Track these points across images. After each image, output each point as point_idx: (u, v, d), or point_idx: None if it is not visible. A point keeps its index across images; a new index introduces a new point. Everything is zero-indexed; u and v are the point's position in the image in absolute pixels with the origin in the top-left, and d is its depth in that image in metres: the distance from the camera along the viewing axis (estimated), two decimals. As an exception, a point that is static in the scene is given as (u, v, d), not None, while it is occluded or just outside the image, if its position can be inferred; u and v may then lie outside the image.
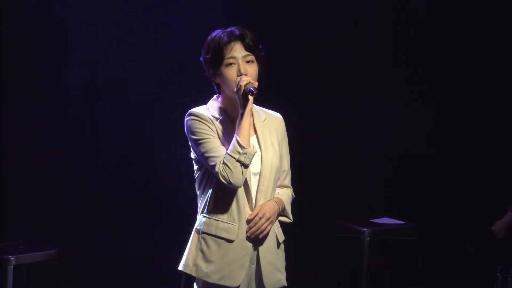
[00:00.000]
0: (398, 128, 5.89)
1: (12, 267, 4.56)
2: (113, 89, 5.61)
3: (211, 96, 3.29)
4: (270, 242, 3.24)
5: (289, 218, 3.33)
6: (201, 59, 3.22)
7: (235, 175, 3.08)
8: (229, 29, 3.19)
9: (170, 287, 5.51)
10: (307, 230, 5.89)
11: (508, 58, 5.68)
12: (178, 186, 5.50)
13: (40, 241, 5.18)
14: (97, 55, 5.56)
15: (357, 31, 5.90)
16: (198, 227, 3.21)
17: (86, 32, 5.53)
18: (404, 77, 5.88)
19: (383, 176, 5.91)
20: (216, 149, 3.12)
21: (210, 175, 3.17)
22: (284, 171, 3.35)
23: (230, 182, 3.09)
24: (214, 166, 3.10)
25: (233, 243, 3.16)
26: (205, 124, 3.16)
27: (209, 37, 3.21)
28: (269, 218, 3.19)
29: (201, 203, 3.23)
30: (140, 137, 5.64)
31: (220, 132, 3.17)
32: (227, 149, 3.11)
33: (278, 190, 3.32)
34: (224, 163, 3.08)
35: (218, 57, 3.15)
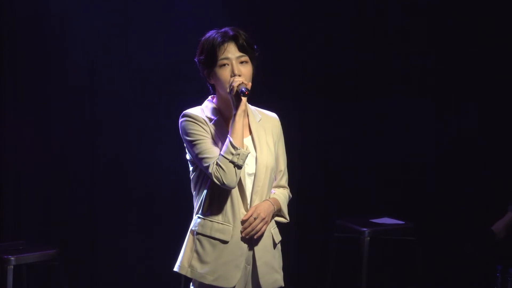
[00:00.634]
0: (398, 128, 5.89)
1: (12, 267, 4.55)
2: (113, 89, 5.61)
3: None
4: (266, 243, 3.23)
5: (285, 218, 3.32)
6: (196, 60, 3.23)
7: (228, 176, 3.08)
8: (223, 30, 3.19)
9: None
10: (307, 230, 5.89)
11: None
12: (178, 186, 5.49)
13: (40, 241, 5.18)
14: (96, 55, 5.56)
15: (357, 31, 5.90)
16: (193, 228, 3.21)
17: (86, 32, 5.53)
18: (404, 77, 5.89)
19: (383, 176, 5.91)
20: (210, 150, 3.12)
21: (205, 176, 3.17)
22: (281, 171, 3.34)
23: (223, 183, 3.08)
24: (208, 167, 3.09)
25: (228, 244, 3.16)
26: (199, 125, 3.16)
27: (203, 38, 3.21)
28: (263, 219, 3.18)
29: (196, 203, 3.24)
30: (140, 138, 5.64)
31: (214, 133, 3.17)
32: (221, 149, 3.11)
33: (274, 191, 3.32)
34: (217, 164, 3.08)
35: (212, 58, 3.15)
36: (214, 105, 3.23)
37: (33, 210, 5.48)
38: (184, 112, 3.21)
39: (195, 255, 3.18)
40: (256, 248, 3.20)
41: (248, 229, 3.17)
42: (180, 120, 3.20)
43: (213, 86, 3.24)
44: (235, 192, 3.17)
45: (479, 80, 5.77)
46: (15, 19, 5.39)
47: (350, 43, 5.90)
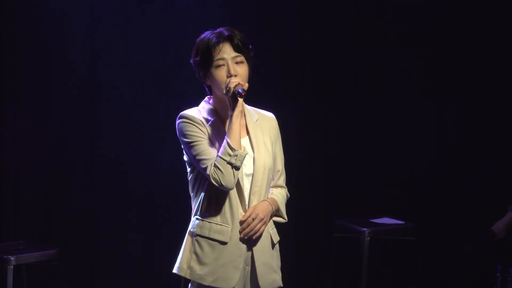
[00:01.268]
0: (398, 128, 5.89)
1: (12, 267, 4.55)
2: (113, 89, 5.61)
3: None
4: (264, 243, 3.23)
5: (283, 218, 3.32)
6: (191, 61, 3.22)
7: (226, 178, 3.07)
8: (217, 30, 3.18)
9: None
10: (307, 230, 5.89)
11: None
12: (178, 187, 5.48)
13: (40, 241, 5.17)
14: (97, 55, 5.56)
15: (357, 31, 5.91)
16: (191, 230, 3.21)
17: (86, 32, 5.53)
18: (404, 77, 5.89)
19: (383, 176, 5.91)
20: (207, 152, 3.11)
21: (202, 177, 3.16)
22: (278, 171, 3.34)
23: (221, 185, 3.08)
24: (205, 168, 3.09)
25: (227, 245, 3.16)
26: (196, 126, 3.15)
27: (198, 39, 3.20)
28: (262, 219, 3.18)
29: (195, 205, 3.23)
30: (140, 138, 5.64)
31: (211, 134, 3.16)
32: (218, 150, 3.11)
33: (272, 190, 3.31)
34: (215, 165, 3.07)
35: (207, 59, 3.14)
36: (211, 106, 3.22)
37: (33, 210, 5.48)
38: (181, 113, 3.20)
39: (194, 256, 3.18)
40: (254, 249, 3.20)
41: (247, 230, 3.16)
42: (177, 121, 3.19)
43: (209, 87, 3.23)
44: (233, 193, 3.16)
45: (479, 80, 5.77)
46: (15, 19, 5.39)
47: (350, 43, 5.90)
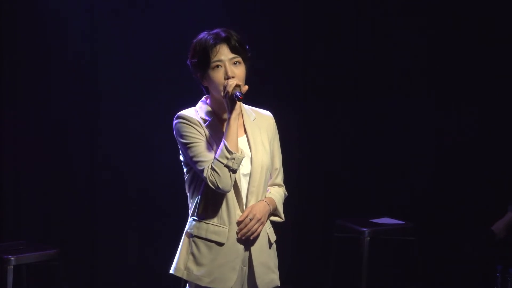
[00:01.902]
0: (398, 128, 5.89)
1: (12, 267, 4.55)
2: (113, 89, 5.61)
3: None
4: (262, 243, 3.23)
5: (281, 217, 3.30)
6: (188, 62, 3.21)
7: (223, 180, 3.07)
8: (214, 31, 3.17)
9: None
10: (307, 230, 5.89)
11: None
12: (178, 187, 5.48)
13: (40, 241, 5.17)
14: (97, 55, 5.56)
15: (357, 31, 5.91)
16: (188, 230, 3.20)
17: (86, 32, 5.53)
18: (404, 77, 5.89)
19: (383, 176, 5.91)
20: (204, 154, 3.10)
21: (199, 178, 3.16)
22: (276, 169, 3.33)
23: (218, 187, 3.07)
24: (202, 171, 3.08)
25: (224, 246, 3.15)
26: (193, 127, 3.14)
27: (194, 40, 3.19)
28: (259, 220, 3.17)
29: (191, 205, 3.23)
30: (140, 138, 5.64)
31: (209, 135, 3.15)
32: (215, 152, 3.10)
33: (270, 189, 3.30)
34: (212, 168, 3.06)
35: (204, 61, 3.13)
36: (208, 106, 3.21)
37: (33, 210, 5.48)
38: (178, 113, 3.19)
39: (191, 257, 3.17)
40: (252, 249, 3.20)
41: (244, 230, 3.16)
42: (174, 121, 3.18)
43: (207, 88, 3.22)
44: (231, 193, 3.15)
45: (479, 80, 5.76)
46: (15, 19, 5.39)
47: (350, 43, 5.90)
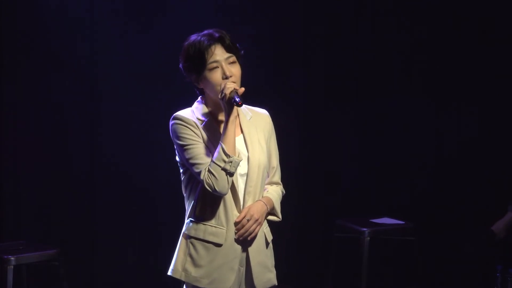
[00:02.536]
0: (398, 128, 5.89)
1: (12, 267, 4.55)
2: (113, 89, 5.61)
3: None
4: (259, 243, 3.22)
5: (278, 217, 3.29)
6: (181, 66, 3.18)
7: (220, 183, 3.06)
8: (205, 32, 3.15)
9: None
10: (307, 230, 5.89)
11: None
12: (178, 187, 5.47)
13: (40, 241, 5.17)
14: (97, 55, 5.56)
15: (357, 31, 5.91)
16: (185, 232, 3.19)
17: (86, 32, 5.53)
18: (404, 77, 5.89)
19: (383, 176, 5.91)
20: (201, 156, 3.09)
21: (195, 179, 3.15)
22: (273, 167, 3.32)
23: (215, 190, 3.06)
24: (199, 173, 3.08)
25: (222, 247, 3.15)
26: (189, 129, 3.13)
27: (186, 43, 3.16)
28: (257, 220, 3.16)
29: (188, 206, 3.22)
30: (140, 138, 5.64)
31: (205, 136, 3.14)
32: (212, 154, 3.09)
33: (267, 188, 3.29)
34: (209, 171, 3.06)
35: (200, 63, 3.11)
36: (204, 106, 3.20)
37: (33, 210, 5.48)
38: (174, 114, 3.18)
39: (188, 258, 3.17)
40: (250, 249, 3.19)
41: (242, 231, 3.15)
42: (171, 122, 3.17)
43: (202, 90, 3.20)
44: (228, 194, 3.14)
45: (479, 80, 5.76)
46: (15, 19, 5.39)
47: (350, 43, 5.90)
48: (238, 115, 3.21)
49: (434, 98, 5.85)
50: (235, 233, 3.15)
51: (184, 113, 3.18)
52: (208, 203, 3.15)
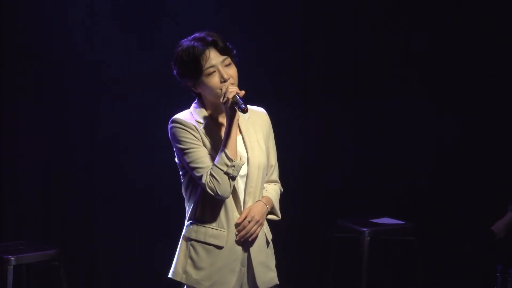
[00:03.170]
0: (398, 129, 5.89)
1: (12, 267, 4.55)
2: (113, 89, 5.61)
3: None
4: (260, 243, 3.22)
5: (277, 216, 3.29)
6: (175, 73, 3.16)
7: (222, 187, 3.05)
8: (197, 36, 3.12)
9: None
10: (307, 230, 5.89)
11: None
12: (178, 187, 5.47)
13: (40, 241, 5.17)
14: (97, 55, 5.56)
15: (357, 31, 5.91)
16: (186, 234, 3.18)
17: (87, 32, 5.53)
18: (404, 77, 5.89)
19: (383, 176, 5.91)
20: (202, 160, 3.08)
21: (195, 181, 3.13)
22: (271, 166, 3.31)
23: (217, 194, 3.06)
24: (200, 177, 3.07)
25: (223, 249, 3.14)
26: (189, 132, 3.11)
27: (179, 49, 3.13)
28: (258, 221, 3.16)
29: (188, 208, 3.21)
30: (140, 138, 5.63)
31: (205, 139, 3.12)
32: (213, 157, 3.08)
33: (266, 187, 3.28)
34: (211, 174, 3.05)
35: (196, 68, 3.08)
36: (203, 108, 3.18)
37: (33, 210, 5.47)
38: (173, 117, 3.16)
39: (189, 261, 3.16)
40: (251, 249, 3.19)
41: (243, 233, 3.15)
42: (169, 126, 3.15)
43: (199, 94, 3.18)
44: None
45: (479, 80, 5.76)
46: (15, 19, 5.39)
47: (350, 43, 5.90)
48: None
49: (434, 98, 5.85)
50: (236, 235, 3.15)
51: (182, 116, 3.16)
52: (209, 205, 3.14)
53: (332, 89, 5.90)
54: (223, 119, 3.15)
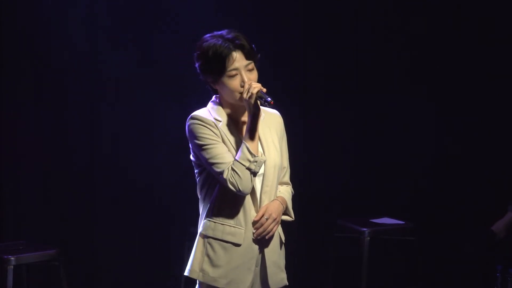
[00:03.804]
0: (398, 128, 5.89)
1: (12, 267, 4.55)
2: (113, 90, 5.61)
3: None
4: (274, 243, 3.23)
5: (291, 216, 3.30)
6: (197, 65, 3.16)
7: (244, 183, 3.05)
8: (225, 36, 3.11)
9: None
10: (307, 230, 5.89)
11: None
12: (178, 187, 5.50)
13: (40, 241, 5.17)
14: (97, 55, 5.56)
15: (357, 31, 5.91)
16: (203, 232, 3.17)
17: (87, 32, 5.53)
18: (404, 77, 5.89)
19: (383, 176, 5.91)
20: (223, 156, 3.07)
21: (212, 179, 3.13)
22: (284, 167, 3.32)
23: (239, 190, 3.06)
24: (221, 172, 3.06)
25: (240, 247, 3.14)
26: (209, 128, 3.10)
27: (204, 43, 3.12)
28: (275, 219, 3.17)
29: (205, 206, 3.19)
30: (141, 138, 5.64)
31: (224, 136, 3.12)
32: (233, 153, 3.09)
33: (279, 188, 3.29)
34: (233, 169, 3.04)
35: (219, 68, 3.08)
36: (220, 106, 3.18)
37: (33, 210, 5.48)
38: (192, 114, 3.15)
39: (206, 259, 3.15)
40: (266, 249, 3.20)
41: (260, 230, 3.15)
42: (188, 122, 3.14)
43: (216, 90, 3.19)
44: None
45: (479, 80, 5.76)
46: (15, 19, 5.39)
47: (350, 43, 5.90)
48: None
49: (434, 98, 5.85)
50: (253, 233, 3.15)
51: (201, 113, 3.16)
52: (227, 203, 3.14)
53: (332, 89, 5.90)
54: (240, 118, 3.17)
